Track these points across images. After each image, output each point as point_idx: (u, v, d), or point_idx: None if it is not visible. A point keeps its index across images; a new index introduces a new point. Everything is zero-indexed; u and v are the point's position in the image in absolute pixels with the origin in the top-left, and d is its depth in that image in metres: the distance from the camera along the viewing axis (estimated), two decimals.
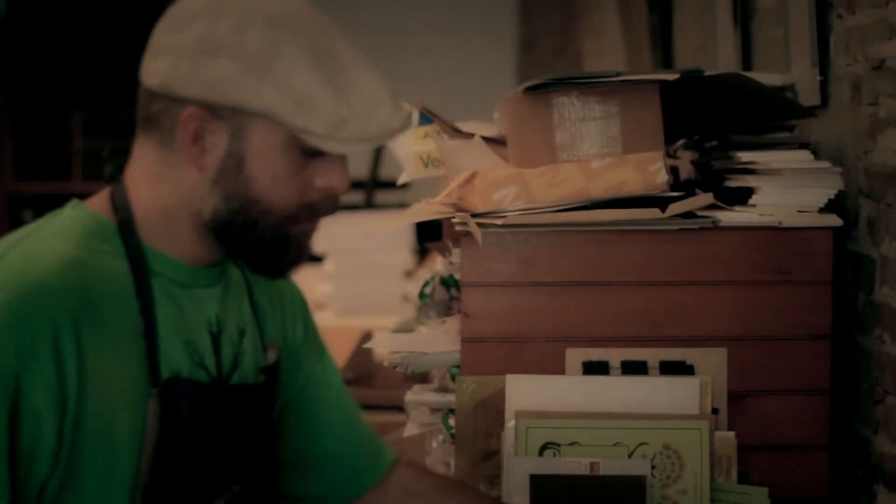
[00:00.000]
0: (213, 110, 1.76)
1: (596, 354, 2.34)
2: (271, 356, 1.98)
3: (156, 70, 1.80)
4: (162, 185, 1.81)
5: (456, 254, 2.39)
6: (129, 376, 1.78)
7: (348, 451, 2.11)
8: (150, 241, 1.83)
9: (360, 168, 7.18)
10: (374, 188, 6.13)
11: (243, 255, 1.86)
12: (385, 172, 6.03)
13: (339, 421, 2.12)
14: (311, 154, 1.79)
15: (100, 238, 1.81)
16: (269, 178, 1.78)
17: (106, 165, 1.87)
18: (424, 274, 2.84)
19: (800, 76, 2.76)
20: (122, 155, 1.87)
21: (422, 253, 5.03)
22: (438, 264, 2.82)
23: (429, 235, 3.66)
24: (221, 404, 1.86)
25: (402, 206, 4.57)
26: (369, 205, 6.05)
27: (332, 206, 1.85)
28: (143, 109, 1.83)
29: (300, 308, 2.10)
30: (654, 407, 2.24)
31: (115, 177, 1.85)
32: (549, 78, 2.36)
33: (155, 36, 1.84)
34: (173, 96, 1.78)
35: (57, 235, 1.79)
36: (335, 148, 1.77)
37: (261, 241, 1.82)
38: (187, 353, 1.84)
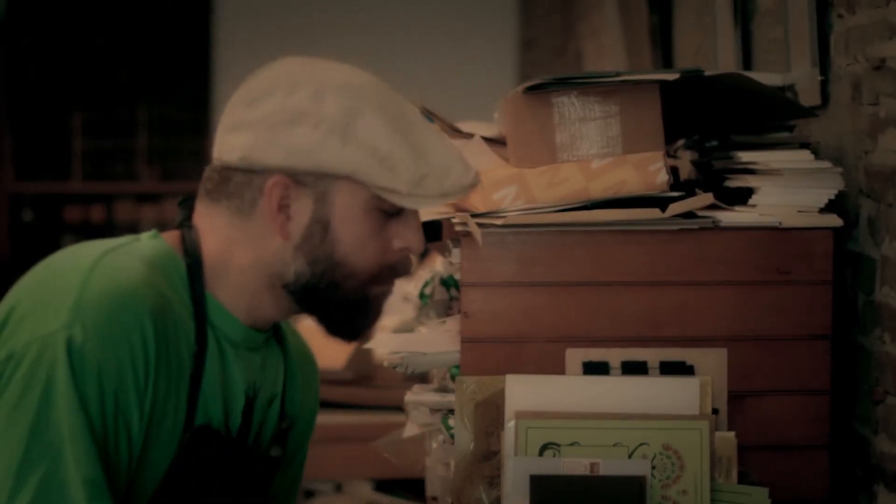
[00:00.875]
0: (297, 178, 1.81)
1: (596, 354, 2.34)
2: (285, 432, 2.02)
3: (234, 145, 1.83)
4: (235, 247, 1.85)
5: (456, 254, 2.39)
6: (174, 412, 1.82)
7: None
8: (214, 292, 1.86)
9: None
10: None
11: (323, 317, 1.90)
12: None
13: None
14: (390, 215, 1.85)
15: (174, 274, 1.84)
16: (353, 241, 1.83)
17: (178, 211, 1.90)
18: (424, 274, 2.84)
19: (800, 76, 2.75)
20: (192, 201, 1.91)
21: (421, 253, 5.02)
22: (438, 264, 2.82)
23: (429, 235, 3.66)
24: (237, 464, 1.90)
25: None
26: None
27: (407, 266, 1.92)
28: (217, 184, 1.86)
29: (316, 393, 2.14)
30: (654, 407, 2.24)
31: (185, 224, 1.88)
32: (549, 78, 2.36)
33: (228, 114, 1.87)
34: (254, 168, 1.82)
35: (140, 258, 1.82)
36: (418, 204, 1.85)
37: (343, 303, 1.86)
38: (222, 408, 1.87)
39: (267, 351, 1.95)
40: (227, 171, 1.85)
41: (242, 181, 1.83)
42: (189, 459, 1.83)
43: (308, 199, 1.82)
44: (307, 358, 2.10)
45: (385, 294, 1.91)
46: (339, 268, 1.83)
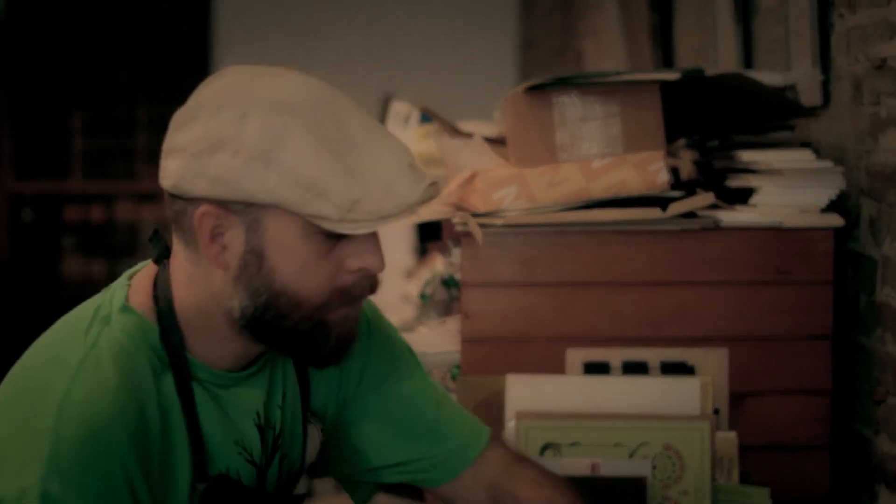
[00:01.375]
0: (226, 206, 1.71)
1: (596, 355, 2.34)
2: (312, 434, 1.95)
3: (167, 171, 1.77)
4: (194, 285, 1.78)
5: (456, 254, 2.38)
6: (179, 470, 1.77)
7: (434, 451, 2.03)
8: (191, 346, 1.79)
9: None
10: None
11: (284, 348, 1.81)
12: None
13: (420, 427, 2.04)
14: (338, 236, 1.73)
15: (146, 346, 1.78)
16: (293, 269, 1.72)
17: (152, 247, 1.83)
18: (424, 274, 2.84)
19: (801, 76, 2.75)
20: (161, 234, 1.84)
21: (422, 253, 5.02)
22: (438, 264, 2.82)
23: (429, 235, 3.66)
24: None
25: None
26: None
27: (368, 286, 1.78)
28: (168, 209, 1.80)
29: (361, 345, 1.96)
30: (654, 407, 2.24)
31: (161, 260, 1.82)
32: (550, 78, 2.35)
33: (167, 137, 1.79)
34: (185, 196, 1.74)
35: (111, 360, 1.75)
36: (353, 230, 1.70)
37: (296, 333, 1.76)
38: (237, 451, 1.82)
39: (271, 357, 1.88)
40: (170, 197, 1.78)
41: (180, 209, 1.76)
42: None
43: (240, 228, 1.72)
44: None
45: (349, 317, 1.77)
46: (281, 297, 1.73)
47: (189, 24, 8.32)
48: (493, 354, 2.34)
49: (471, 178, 2.37)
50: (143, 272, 1.85)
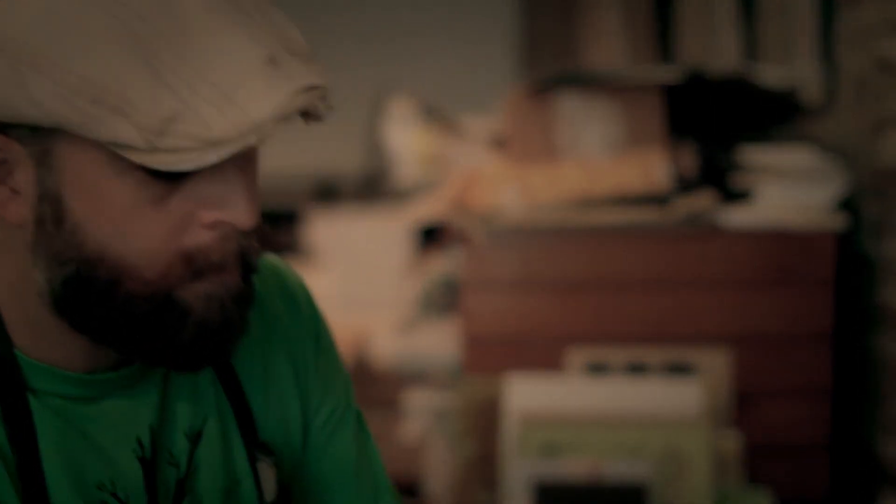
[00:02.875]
0: (7, 132, 1.16)
1: (597, 355, 2.33)
2: (264, 475, 1.32)
3: None
4: (4, 257, 1.22)
5: (456, 254, 2.38)
6: None
7: None
8: (19, 341, 1.23)
9: (360, 165, 7.18)
10: (374, 186, 6.12)
11: (120, 345, 1.20)
12: (385, 171, 6.03)
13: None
14: (175, 175, 1.15)
15: None
16: (109, 224, 1.16)
17: None
18: (425, 274, 2.83)
19: (804, 74, 2.74)
20: None
21: (422, 252, 5.02)
22: (439, 264, 2.81)
23: (429, 235, 3.65)
24: None
25: (403, 205, 4.57)
26: (369, 203, 6.05)
27: (240, 247, 1.17)
28: None
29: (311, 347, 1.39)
30: (655, 408, 2.23)
31: None
32: (551, 77, 2.35)
33: None
34: None
35: None
36: (172, 164, 1.12)
37: (131, 320, 1.17)
38: (97, 500, 1.22)
39: (165, 377, 1.28)
40: None
41: None
42: None
43: (29, 163, 1.16)
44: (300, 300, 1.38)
45: (212, 295, 1.17)
46: (99, 267, 1.16)
47: None
48: (493, 354, 2.33)
49: (471, 178, 2.36)
50: None
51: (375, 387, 4.12)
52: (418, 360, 2.61)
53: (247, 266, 1.18)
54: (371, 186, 6.19)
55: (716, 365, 2.32)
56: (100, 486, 1.22)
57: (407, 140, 2.65)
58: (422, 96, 2.56)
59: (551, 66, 6.85)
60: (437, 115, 2.59)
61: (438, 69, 7.78)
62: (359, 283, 4.95)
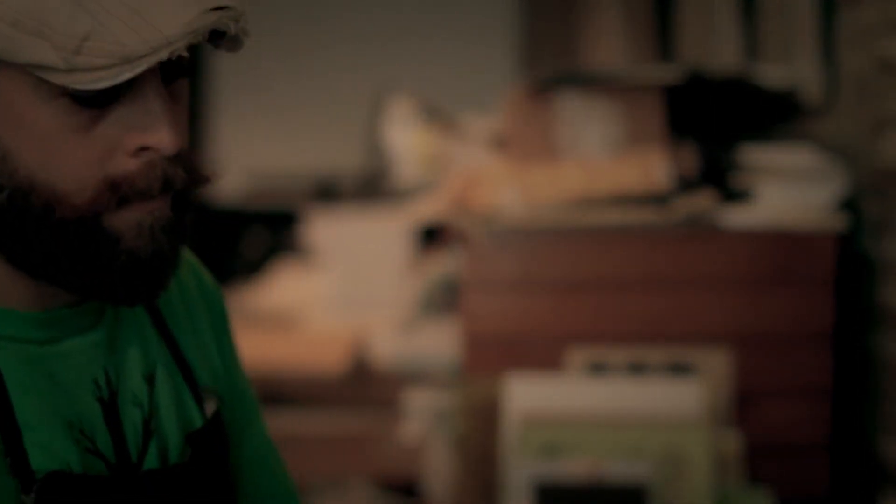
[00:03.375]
0: None
1: (597, 355, 2.33)
2: (209, 407, 1.37)
3: None
4: None
5: (456, 254, 2.37)
6: None
7: None
8: None
9: (360, 165, 7.18)
10: (374, 185, 6.12)
11: (56, 279, 1.23)
12: (385, 171, 6.02)
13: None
14: (102, 101, 1.18)
15: None
16: (38, 151, 1.18)
17: None
18: (424, 274, 2.83)
19: (805, 74, 2.74)
20: None
21: (422, 252, 5.02)
22: (438, 264, 2.81)
23: (429, 235, 3.65)
24: (119, 499, 1.25)
25: (403, 205, 4.57)
26: (369, 203, 6.05)
27: (165, 174, 1.20)
28: None
29: (222, 319, 1.46)
30: (656, 408, 2.23)
31: None
32: (551, 77, 2.35)
33: None
34: None
35: None
36: (89, 82, 1.14)
37: (66, 249, 1.21)
38: (72, 438, 1.25)
39: (115, 312, 1.33)
40: None
41: None
42: None
43: None
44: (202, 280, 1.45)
45: (142, 224, 1.20)
46: (32, 196, 1.18)
47: None
48: (493, 354, 2.33)
49: (471, 178, 2.36)
50: None
51: (375, 387, 4.12)
52: (418, 360, 2.62)
53: (178, 200, 1.22)
54: (371, 186, 6.19)
55: (716, 365, 2.32)
56: (69, 425, 1.25)
57: (407, 140, 2.65)
58: (422, 96, 2.56)
59: (551, 66, 6.85)
60: (437, 115, 2.59)
61: (438, 69, 7.78)
62: (359, 283, 4.94)
